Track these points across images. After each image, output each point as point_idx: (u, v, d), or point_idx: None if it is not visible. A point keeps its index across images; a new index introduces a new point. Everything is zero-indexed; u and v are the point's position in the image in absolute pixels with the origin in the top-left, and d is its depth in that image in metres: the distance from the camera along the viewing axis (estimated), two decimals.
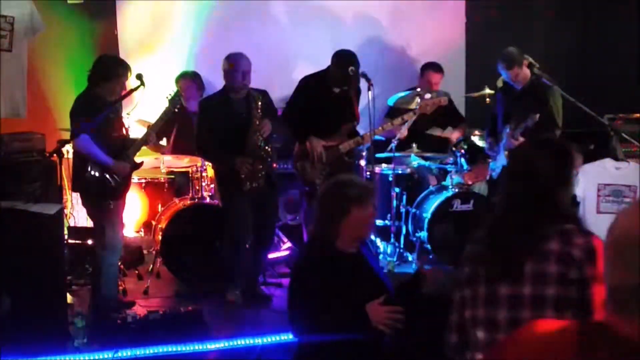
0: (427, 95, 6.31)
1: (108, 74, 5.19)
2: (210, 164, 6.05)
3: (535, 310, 2.37)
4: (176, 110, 5.71)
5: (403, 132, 6.39)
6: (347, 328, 3.19)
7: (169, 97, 5.65)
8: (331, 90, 5.88)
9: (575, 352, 1.36)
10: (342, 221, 3.33)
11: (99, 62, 5.34)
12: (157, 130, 5.60)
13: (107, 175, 5.16)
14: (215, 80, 6.54)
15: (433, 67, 7.01)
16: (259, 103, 5.54)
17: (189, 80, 6.77)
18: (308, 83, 5.97)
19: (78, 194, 5.59)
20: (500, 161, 5.93)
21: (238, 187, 5.51)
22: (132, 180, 5.61)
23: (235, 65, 5.53)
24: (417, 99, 6.31)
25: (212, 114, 5.60)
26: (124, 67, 5.30)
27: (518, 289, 2.41)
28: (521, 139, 5.69)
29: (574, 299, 2.34)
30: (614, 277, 1.34)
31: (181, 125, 6.61)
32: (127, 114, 5.92)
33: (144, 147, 5.60)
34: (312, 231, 3.58)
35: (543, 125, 5.65)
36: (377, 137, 6.06)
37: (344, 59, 5.78)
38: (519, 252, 2.44)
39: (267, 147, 5.59)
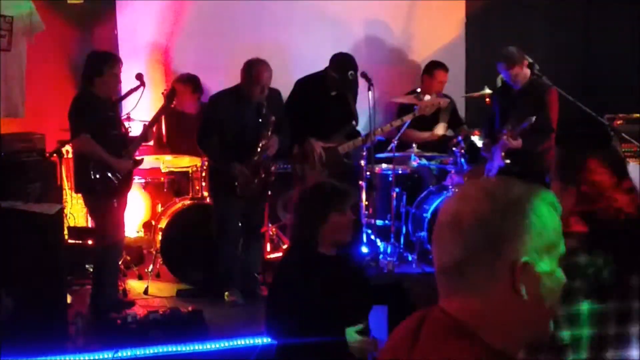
0: (427, 97, 6.30)
1: (100, 70, 5.19)
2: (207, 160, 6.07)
3: None
4: (173, 106, 5.71)
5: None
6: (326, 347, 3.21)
7: (165, 94, 5.67)
8: (328, 92, 5.87)
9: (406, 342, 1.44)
10: (321, 226, 3.33)
11: (88, 60, 5.33)
12: (153, 128, 5.60)
13: (110, 174, 5.16)
14: (214, 81, 6.54)
15: (442, 66, 6.95)
16: (272, 120, 5.45)
17: (183, 84, 6.76)
18: (305, 85, 5.97)
19: (79, 194, 5.60)
20: (496, 162, 5.92)
21: (230, 189, 5.50)
22: (133, 180, 5.61)
23: (257, 79, 5.40)
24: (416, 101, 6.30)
25: (222, 113, 5.55)
26: (113, 60, 5.30)
27: None
28: (519, 140, 5.70)
29: None
30: (452, 252, 1.39)
31: (174, 125, 6.62)
32: (127, 113, 5.93)
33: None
34: (292, 235, 3.57)
35: (540, 127, 5.66)
36: (377, 137, 6.07)
37: (343, 64, 5.77)
38: None
39: (268, 164, 5.58)
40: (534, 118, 5.54)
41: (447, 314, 1.40)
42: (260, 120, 5.47)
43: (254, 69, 5.42)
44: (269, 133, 5.47)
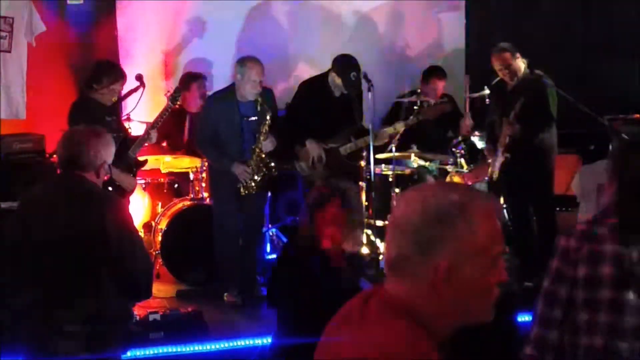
0: (432, 102, 6.29)
1: (100, 80, 5.22)
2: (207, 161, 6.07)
3: None
4: (177, 105, 5.71)
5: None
6: None
7: (169, 95, 5.67)
8: (332, 94, 5.87)
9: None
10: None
11: (93, 66, 5.36)
12: (156, 128, 5.60)
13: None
14: (215, 81, 6.54)
15: (437, 73, 6.87)
16: (268, 118, 5.46)
17: (187, 83, 6.75)
18: (308, 87, 5.97)
19: None
20: (498, 159, 5.89)
21: (232, 190, 5.51)
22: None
23: (249, 74, 5.42)
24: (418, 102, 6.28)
25: (218, 114, 5.56)
26: (115, 74, 5.33)
27: None
28: (517, 126, 5.63)
29: None
30: (392, 249, 1.56)
31: (179, 125, 6.61)
32: (127, 114, 5.93)
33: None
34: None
35: (538, 117, 5.64)
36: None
37: (345, 65, 5.75)
38: None
39: (269, 162, 5.58)
40: (523, 99, 5.50)
41: (389, 294, 1.57)
42: (256, 117, 5.49)
43: (246, 66, 5.45)
44: (266, 129, 5.48)
